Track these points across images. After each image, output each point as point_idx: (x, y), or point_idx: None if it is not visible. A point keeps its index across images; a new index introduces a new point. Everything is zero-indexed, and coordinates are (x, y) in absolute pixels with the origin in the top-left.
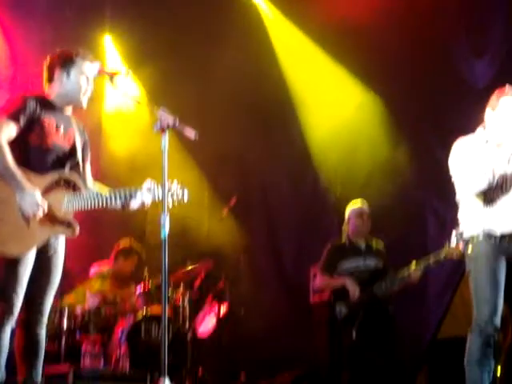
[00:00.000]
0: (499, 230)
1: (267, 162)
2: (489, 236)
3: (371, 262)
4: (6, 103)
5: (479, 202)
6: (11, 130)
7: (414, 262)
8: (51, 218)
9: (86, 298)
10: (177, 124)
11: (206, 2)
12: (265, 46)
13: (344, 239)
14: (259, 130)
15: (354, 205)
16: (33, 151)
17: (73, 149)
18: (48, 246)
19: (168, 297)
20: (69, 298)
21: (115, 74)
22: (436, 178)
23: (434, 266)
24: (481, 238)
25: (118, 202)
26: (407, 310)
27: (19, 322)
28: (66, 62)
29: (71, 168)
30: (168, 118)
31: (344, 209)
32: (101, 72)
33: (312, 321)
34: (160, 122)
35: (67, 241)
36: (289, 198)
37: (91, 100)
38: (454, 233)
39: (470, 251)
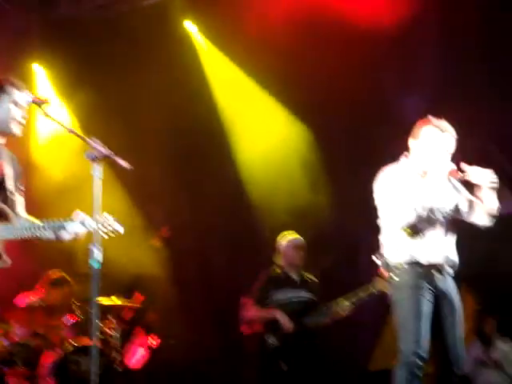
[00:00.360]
0: (424, 259)
1: (198, 190)
2: (414, 265)
3: (304, 295)
4: None
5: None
6: None
7: (344, 296)
8: None
9: (13, 329)
10: (108, 154)
11: (137, 31)
12: (197, 75)
13: (278, 270)
14: (191, 155)
15: (290, 237)
16: None
17: (3, 179)
18: None
19: (98, 328)
20: None
21: (45, 102)
22: (368, 210)
23: (366, 299)
24: (405, 266)
25: (50, 232)
26: (339, 342)
27: None
28: None
29: (2, 199)
30: (99, 148)
31: (273, 239)
32: (33, 101)
33: (243, 352)
34: (91, 152)
35: None
36: (220, 226)
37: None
38: (375, 258)
39: (394, 279)
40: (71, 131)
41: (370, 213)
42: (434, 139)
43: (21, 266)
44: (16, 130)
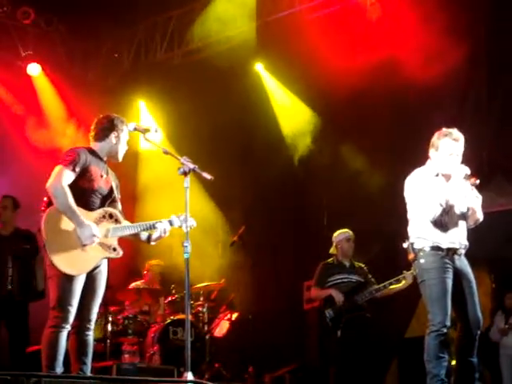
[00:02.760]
0: (445, 244)
1: (268, 197)
2: (436, 249)
3: (354, 277)
4: (64, 155)
5: (430, 222)
6: (70, 177)
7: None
8: (101, 245)
9: (126, 307)
10: (196, 169)
11: (217, 70)
12: (263, 104)
13: (333, 259)
14: (257, 170)
15: (343, 232)
16: (83, 192)
17: (111, 191)
18: (96, 267)
19: (190, 306)
20: (112, 308)
21: (146, 130)
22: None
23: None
24: (428, 250)
25: (145, 232)
26: (381, 314)
27: (72, 327)
28: (110, 125)
29: (110, 205)
30: (189, 164)
31: (330, 235)
32: (136, 129)
33: (305, 324)
34: (183, 167)
35: (113, 262)
36: (285, 226)
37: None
38: (405, 244)
39: (422, 262)
40: (166, 152)
41: (404, 209)
42: (451, 149)
43: (131, 259)
44: (120, 157)
